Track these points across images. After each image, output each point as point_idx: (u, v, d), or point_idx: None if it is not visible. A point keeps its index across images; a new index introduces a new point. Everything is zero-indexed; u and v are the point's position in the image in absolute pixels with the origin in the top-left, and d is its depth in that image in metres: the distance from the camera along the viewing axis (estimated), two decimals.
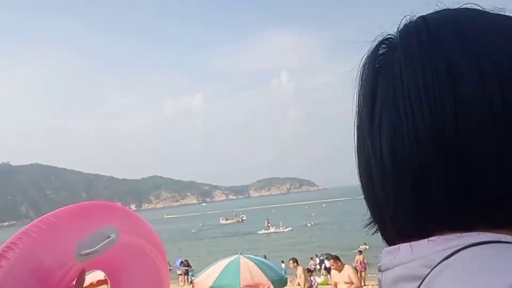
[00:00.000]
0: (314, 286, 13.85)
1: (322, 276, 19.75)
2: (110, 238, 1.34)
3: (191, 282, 17.65)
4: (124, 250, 1.42)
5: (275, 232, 51.81)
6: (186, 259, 28.99)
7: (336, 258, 8.72)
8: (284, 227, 53.22)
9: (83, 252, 1.27)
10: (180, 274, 27.26)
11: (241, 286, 8.39)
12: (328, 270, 16.84)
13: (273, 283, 8.71)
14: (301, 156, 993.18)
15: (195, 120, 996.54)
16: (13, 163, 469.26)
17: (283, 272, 10.51)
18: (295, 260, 12.65)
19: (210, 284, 8.77)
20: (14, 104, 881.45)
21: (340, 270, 8.58)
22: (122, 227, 1.41)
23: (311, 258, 27.07)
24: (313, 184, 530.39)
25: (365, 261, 20.96)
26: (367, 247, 31.99)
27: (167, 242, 55.58)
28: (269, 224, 55.38)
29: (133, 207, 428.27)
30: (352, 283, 8.34)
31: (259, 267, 8.85)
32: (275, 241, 45.14)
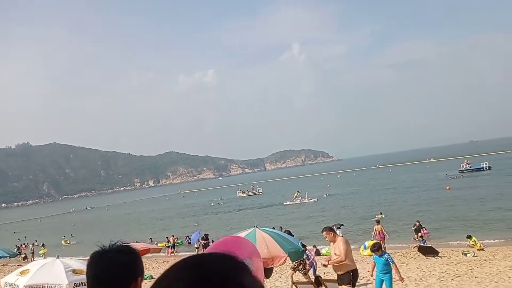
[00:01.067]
0: (311, 259, 13.51)
1: None
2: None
3: None
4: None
5: (300, 203, 52.35)
6: (207, 233, 29.18)
7: (329, 230, 8.66)
8: (309, 198, 54.05)
9: None
10: (197, 248, 27.59)
11: None
12: None
13: (289, 255, 8.60)
14: (315, 128, 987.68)
15: (209, 96, 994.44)
16: (33, 143, 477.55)
17: (299, 243, 10.50)
18: (289, 233, 12.51)
19: None
20: (31, 87, 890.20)
21: (334, 241, 8.56)
22: (251, 257, 2.02)
23: None
24: (328, 156, 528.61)
25: (383, 230, 20.97)
26: (383, 216, 32.11)
27: (185, 216, 56.52)
28: (296, 195, 55.84)
29: (151, 183, 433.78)
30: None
31: (275, 239, 8.74)
32: (294, 212, 45.47)
